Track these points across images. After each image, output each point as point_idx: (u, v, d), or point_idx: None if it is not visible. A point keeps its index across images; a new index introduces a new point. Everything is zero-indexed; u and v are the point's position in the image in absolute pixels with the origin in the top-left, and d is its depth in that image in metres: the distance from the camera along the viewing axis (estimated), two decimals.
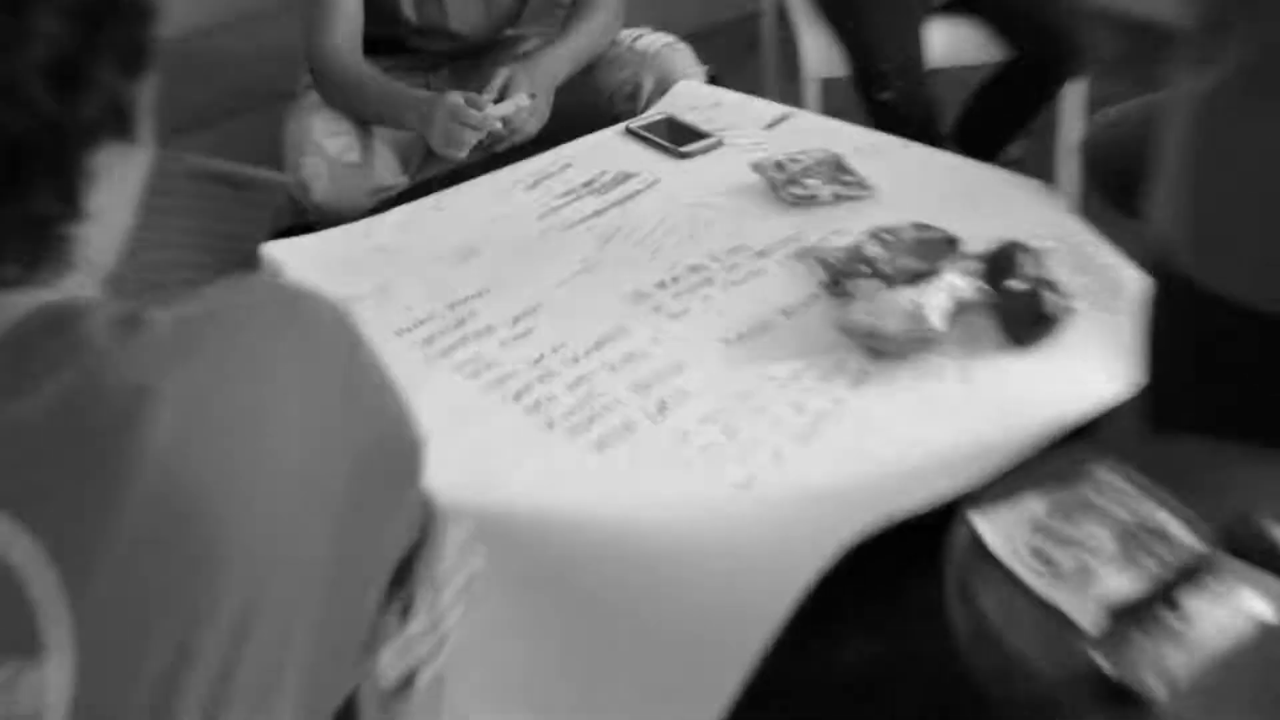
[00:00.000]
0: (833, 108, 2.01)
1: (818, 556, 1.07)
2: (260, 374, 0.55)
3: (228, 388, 0.54)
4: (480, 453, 1.20)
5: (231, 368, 0.55)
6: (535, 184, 1.72)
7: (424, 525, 0.69)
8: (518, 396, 1.28)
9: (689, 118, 1.81)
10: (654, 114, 1.85)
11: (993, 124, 2.15)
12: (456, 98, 1.73)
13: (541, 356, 1.34)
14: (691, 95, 1.87)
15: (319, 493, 0.56)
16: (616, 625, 1.13)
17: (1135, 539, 0.88)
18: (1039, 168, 2.02)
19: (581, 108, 1.87)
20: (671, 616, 1.11)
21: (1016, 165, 1.94)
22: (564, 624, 1.14)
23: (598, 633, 1.13)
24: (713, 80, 1.97)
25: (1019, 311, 1.29)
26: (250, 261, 0.71)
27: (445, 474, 1.13)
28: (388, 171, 1.87)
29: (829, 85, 2.11)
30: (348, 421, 0.58)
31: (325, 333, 0.58)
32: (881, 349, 1.27)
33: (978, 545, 0.89)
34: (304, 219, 1.81)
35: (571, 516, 1.14)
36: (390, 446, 0.62)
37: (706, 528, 1.12)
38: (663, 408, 1.24)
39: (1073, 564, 0.87)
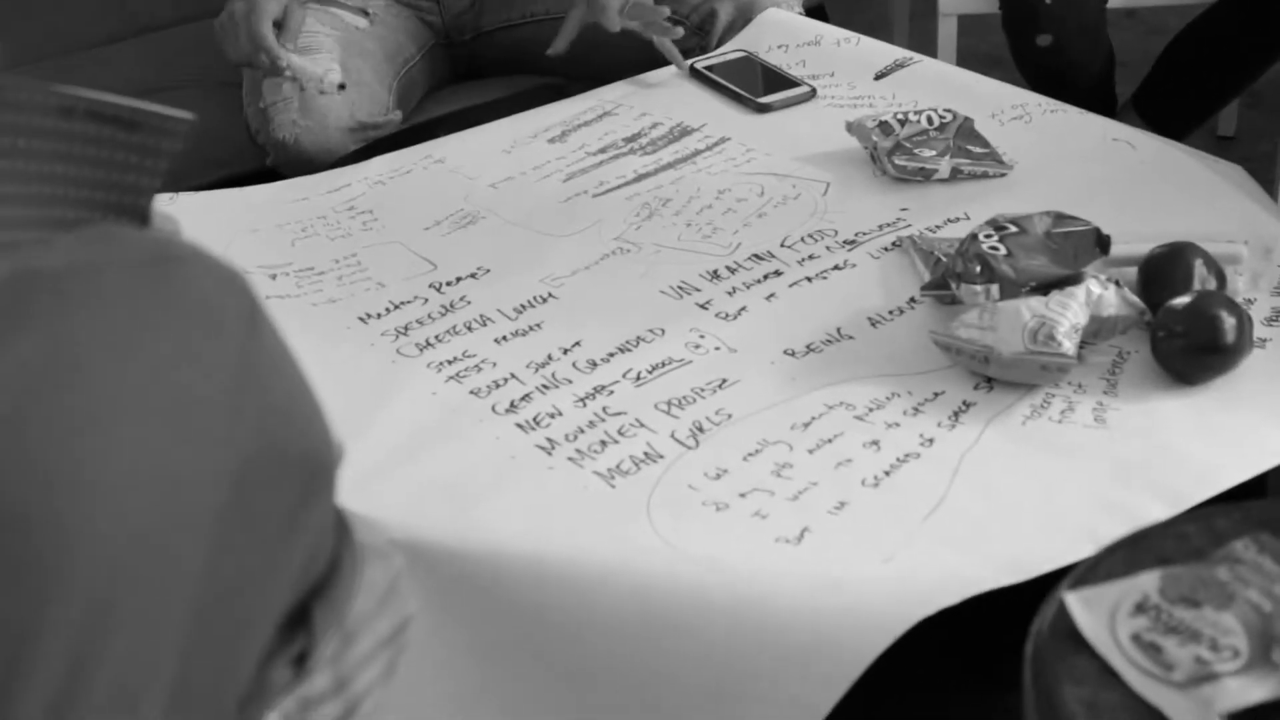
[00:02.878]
0: (973, 54, 2.07)
1: (880, 636, 1.12)
2: (117, 351, 0.61)
3: (72, 366, 0.60)
4: (457, 476, 1.29)
5: (80, 342, 0.60)
6: (563, 135, 1.81)
7: (334, 557, 0.74)
8: (513, 408, 1.36)
9: (774, 59, 1.89)
10: (729, 51, 1.93)
11: (1192, 86, 2.18)
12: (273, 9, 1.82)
13: (548, 359, 1.43)
14: (782, 29, 1.95)
15: (190, 500, 0.62)
16: (625, 706, 1.19)
17: (1275, 635, 0.93)
18: (1253, 150, 2.06)
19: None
20: (694, 702, 1.17)
21: (1222, 145, 1.97)
22: (556, 700, 1.20)
23: (600, 715, 1.20)
24: (813, 11, 2.04)
25: (1184, 337, 1.33)
26: (139, 221, 0.78)
27: (406, 500, 1.24)
28: (376, 105, 1.96)
29: (970, 24, 2.17)
30: (235, 417, 0.64)
31: (211, 305, 0.64)
32: (993, 375, 1.33)
33: (1067, 628, 0.95)
34: (263, 163, 1.91)
35: (569, 565, 1.21)
36: (292, 453, 0.68)
37: (743, 590, 1.18)
38: (698, 434, 1.32)
39: (1187, 659, 0.92)
